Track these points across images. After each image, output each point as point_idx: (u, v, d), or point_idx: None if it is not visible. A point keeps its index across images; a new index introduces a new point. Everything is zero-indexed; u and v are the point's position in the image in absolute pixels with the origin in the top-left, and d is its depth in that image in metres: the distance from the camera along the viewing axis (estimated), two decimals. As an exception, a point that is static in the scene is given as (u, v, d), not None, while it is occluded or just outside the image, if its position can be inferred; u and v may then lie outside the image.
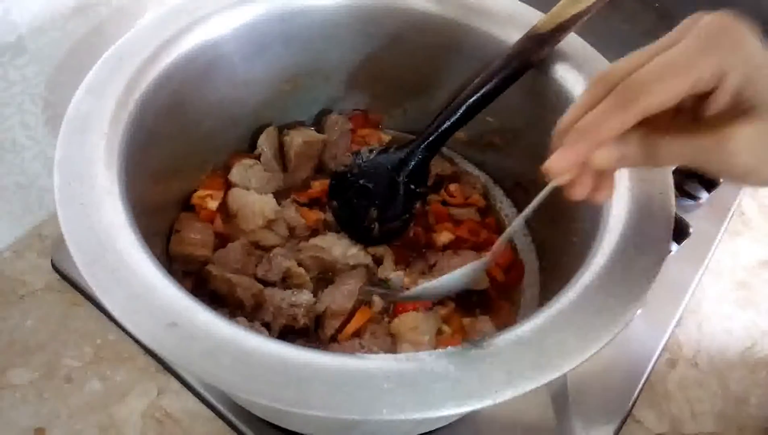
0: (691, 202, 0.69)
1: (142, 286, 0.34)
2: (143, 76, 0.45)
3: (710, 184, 0.69)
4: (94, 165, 0.39)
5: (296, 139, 0.60)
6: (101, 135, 0.41)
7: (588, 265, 0.39)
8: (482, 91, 0.51)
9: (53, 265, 0.59)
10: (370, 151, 0.57)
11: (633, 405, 0.55)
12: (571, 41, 0.52)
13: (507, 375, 0.32)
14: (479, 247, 0.57)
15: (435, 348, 0.49)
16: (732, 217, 0.71)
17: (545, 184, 0.34)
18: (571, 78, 0.51)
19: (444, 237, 0.57)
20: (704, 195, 0.69)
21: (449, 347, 0.34)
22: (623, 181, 0.43)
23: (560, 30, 0.50)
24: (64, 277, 0.58)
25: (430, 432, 0.50)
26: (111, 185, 0.39)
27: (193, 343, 0.32)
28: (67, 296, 0.58)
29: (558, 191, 0.34)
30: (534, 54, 0.51)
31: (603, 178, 0.35)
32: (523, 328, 0.35)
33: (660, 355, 0.59)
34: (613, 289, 0.37)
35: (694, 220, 0.62)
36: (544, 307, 0.36)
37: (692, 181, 0.69)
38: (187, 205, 0.57)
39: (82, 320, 0.56)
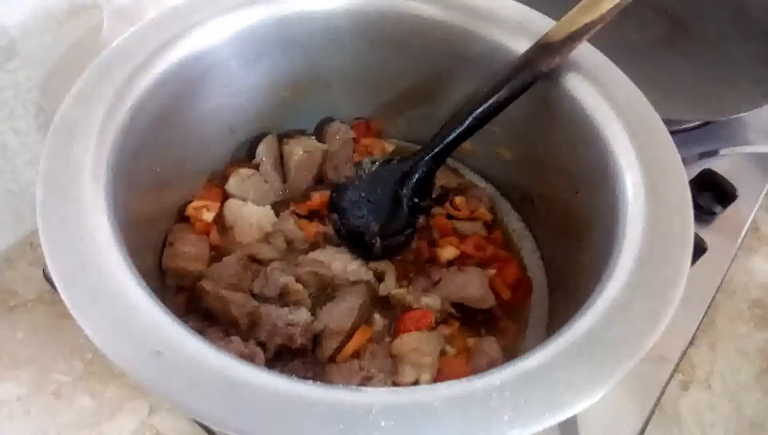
0: (705, 217, 0.67)
1: (125, 310, 0.32)
2: (135, 83, 0.43)
3: (725, 199, 0.66)
4: (79, 178, 0.37)
5: (296, 148, 0.58)
6: (89, 146, 0.39)
7: (601, 289, 0.37)
8: (490, 101, 0.49)
9: (45, 275, 0.57)
10: (373, 162, 0.55)
11: (643, 429, 0.53)
12: (583, 49, 0.49)
13: (513, 413, 0.30)
14: (485, 264, 0.55)
15: (438, 369, 0.48)
16: (747, 233, 0.68)
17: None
18: (582, 88, 0.49)
19: (448, 252, 0.55)
20: (719, 209, 0.66)
21: (451, 381, 0.32)
22: (639, 199, 0.41)
23: (572, 39, 0.47)
24: (56, 288, 0.56)
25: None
26: (97, 199, 0.37)
27: (178, 374, 0.30)
28: (58, 308, 0.56)
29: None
30: (544, 63, 0.49)
31: None
32: (531, 361, 0.33)
33: (672, 376, 0.57)
34: (627, 318, 0.35)
35: (708, 236, 0.60)
36: (553, 337, 0.34)
37: (707, 195, 0.66)
38: (181, 217, 0.55)
39: (72, 333, 0.55)
